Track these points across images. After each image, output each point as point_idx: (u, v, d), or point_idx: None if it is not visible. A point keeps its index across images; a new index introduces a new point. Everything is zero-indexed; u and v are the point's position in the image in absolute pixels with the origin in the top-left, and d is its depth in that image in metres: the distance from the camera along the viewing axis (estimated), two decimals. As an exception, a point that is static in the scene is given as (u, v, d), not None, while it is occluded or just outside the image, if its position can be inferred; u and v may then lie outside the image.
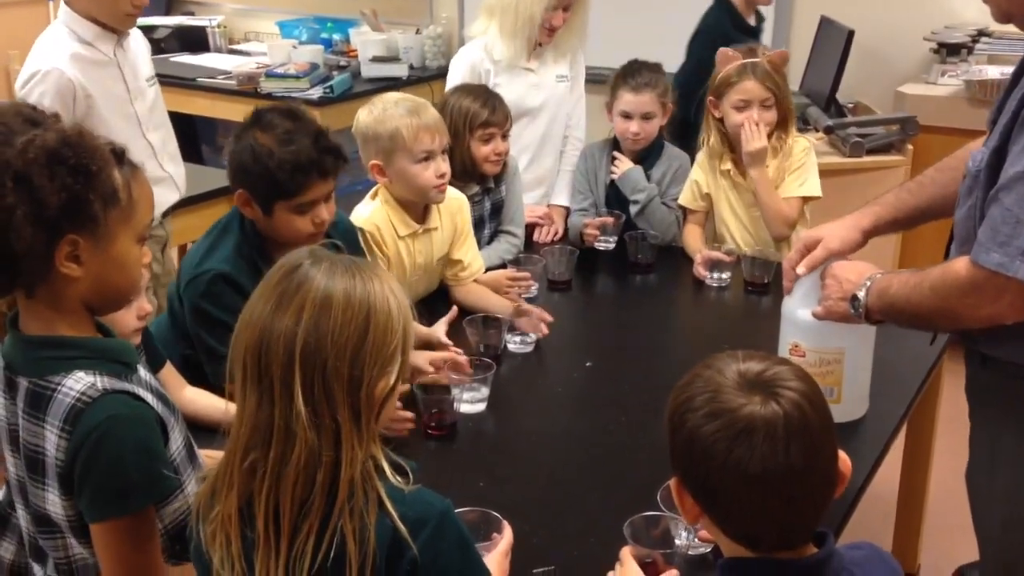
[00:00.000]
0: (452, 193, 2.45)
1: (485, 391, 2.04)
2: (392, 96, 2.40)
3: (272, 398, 1.16)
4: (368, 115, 2.34)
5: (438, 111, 2.69)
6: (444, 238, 2.50)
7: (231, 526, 1.18)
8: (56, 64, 2.53)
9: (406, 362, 1.23)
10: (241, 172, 1.95)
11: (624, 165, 2.88)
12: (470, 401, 2.02)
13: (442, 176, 2.34)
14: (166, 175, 2.87)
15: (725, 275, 2.65)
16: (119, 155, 1.34)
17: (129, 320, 1.65)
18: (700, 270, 2.66)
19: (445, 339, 2.18)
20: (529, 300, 2.48)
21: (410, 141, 2.29)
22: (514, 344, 2.29)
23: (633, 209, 2.84)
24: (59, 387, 1.30)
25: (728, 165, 2.77)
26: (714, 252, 2.68)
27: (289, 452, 1.15)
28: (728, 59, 2.69)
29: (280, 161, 1.90)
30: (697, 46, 3.41)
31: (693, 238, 2.83)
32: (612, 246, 2.84)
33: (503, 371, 2.20)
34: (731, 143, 2.74)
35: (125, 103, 2.69)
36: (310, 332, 1.15)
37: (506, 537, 1.48)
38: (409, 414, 1.88)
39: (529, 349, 2.30)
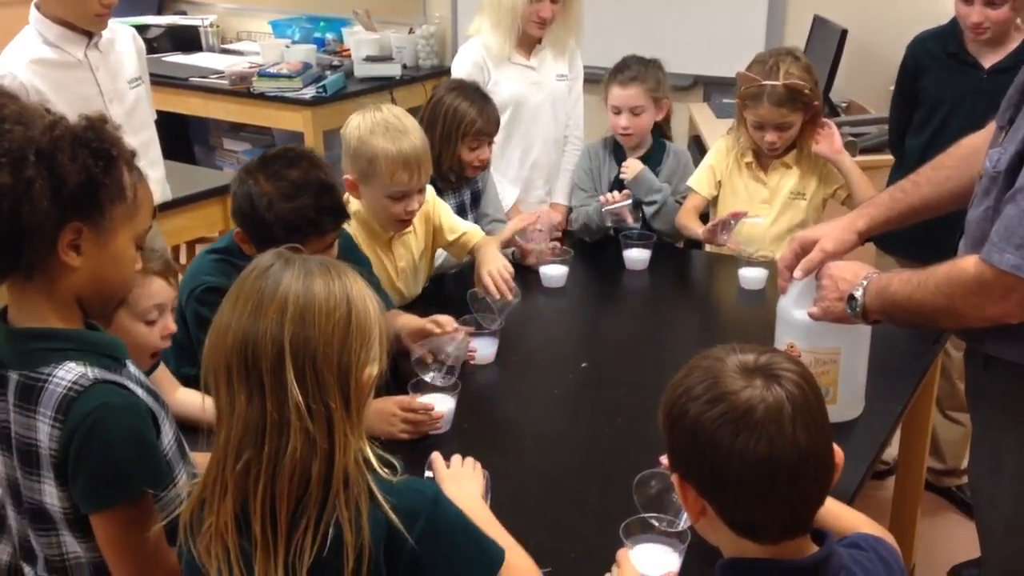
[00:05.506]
0: None
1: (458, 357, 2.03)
2: (383, 118, 2.23)
3: (263, 393, 1.16)
4: (356, 129, 2.24)
5: (430, 107, 2.67)
6: (420, 238, 2.50)
7: (228, 534, 1.18)
8: (10, 68, 2.56)
9: (383, 356, 1.25)
10: (239, 214, 1.94)
11: (634, 167, 2.86)
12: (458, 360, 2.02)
13: (410, 212, 2.29)
14: None
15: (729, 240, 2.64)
16: (131, 155, 1.36)
17: (153, 339, 1.64)
18: (719, 224, 2.63)
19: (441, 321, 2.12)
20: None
21: (386, 176, 2.21)
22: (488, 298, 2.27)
23: (649, 210, 2.84)
24: (50, 378, 1.30)
25: (750, 158, 2.78)
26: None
27: (284, 445, 1.16)
28: (747, 81, 2.67)
29: (277, 216, 1.87)
30: None
31: (690, 218, 2.81)
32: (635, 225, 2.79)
33: (499, 371, 2.20)
34: (757, 147, 2.76)
35: (98, 105, 2.65)
36: (297, 326, 1.17)
37: (435, 461, 1.58)
38: (438, 412, 1.90)
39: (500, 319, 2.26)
